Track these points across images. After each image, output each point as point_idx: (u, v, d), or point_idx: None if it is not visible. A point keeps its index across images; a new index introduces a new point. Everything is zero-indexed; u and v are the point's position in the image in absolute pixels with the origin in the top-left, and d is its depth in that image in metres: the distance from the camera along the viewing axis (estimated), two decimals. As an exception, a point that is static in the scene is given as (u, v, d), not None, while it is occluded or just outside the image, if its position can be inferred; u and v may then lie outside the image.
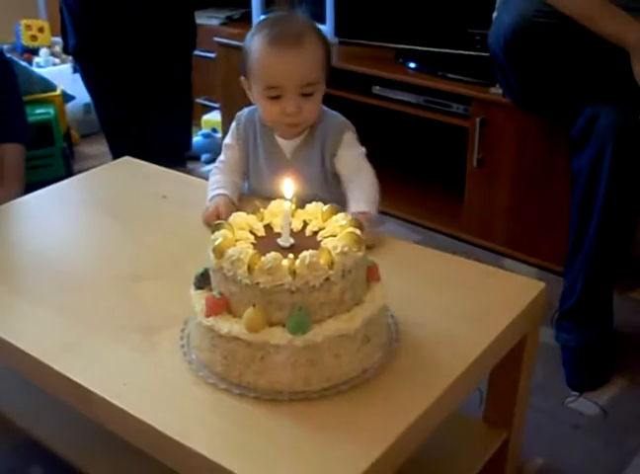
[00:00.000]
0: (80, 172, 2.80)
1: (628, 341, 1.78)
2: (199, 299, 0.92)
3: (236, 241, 0.91)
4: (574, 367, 1.64)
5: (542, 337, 1.69)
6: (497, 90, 1.96)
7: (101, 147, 2.98)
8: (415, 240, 2.27)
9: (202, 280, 0.93)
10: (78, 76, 2.99)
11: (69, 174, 2.60)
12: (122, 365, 0.95)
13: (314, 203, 0.99)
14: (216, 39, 2.67)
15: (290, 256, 0.85)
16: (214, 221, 1.21)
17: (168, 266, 1.17)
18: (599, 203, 1.53)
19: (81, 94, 3.03)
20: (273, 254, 0.84)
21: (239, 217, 0.95)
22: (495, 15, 1.76)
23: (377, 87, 2.27)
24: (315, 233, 0.94)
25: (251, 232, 0.94)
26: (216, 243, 0.88)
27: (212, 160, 2.87)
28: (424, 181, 2.52)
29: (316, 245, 0.91)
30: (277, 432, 0.84)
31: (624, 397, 1.59)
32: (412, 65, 2.23)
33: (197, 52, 2.79)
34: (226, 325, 0.87)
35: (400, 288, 1.04)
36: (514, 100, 1.86)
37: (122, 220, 1.35)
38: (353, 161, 1.31)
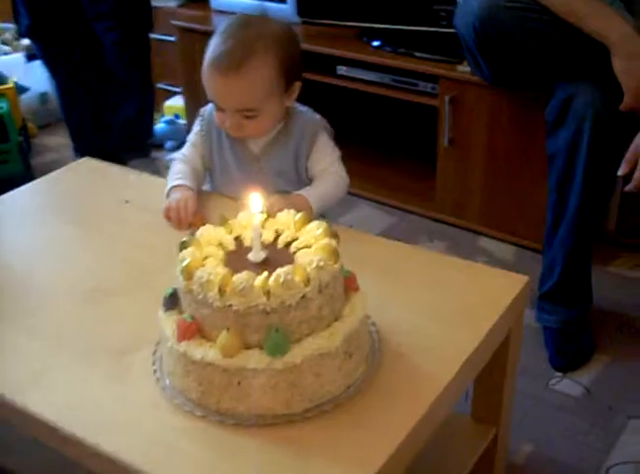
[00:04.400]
0: (39, 166, 2.74)
1: (607, 316, 1.77)
2: (168, 322, 0.86)
3: (205, 258, 0.86)
4: (556, 348, 1.62)
5: (524, 319, 1.68)
6: (465, 67, 1.91)
7: (60, 138, 2.89)
8: (388, 222, 2.23)
9: (171, 301, 0.88)
10: (32, 65, 2.90)
11: (27, 169, 2.51)
12: (92, 395, 0.89)
13: (286, 211, 0.94)
14: (174, 22, 2.57)
15: (264, 274, 0.80)
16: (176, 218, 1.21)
17: (135, 279, 1.11)
18: (577, 185, 1.50)
19: (36, 83, 2.93)
20: (245, 274, 0.80)
21: (207, 231, 0.90)
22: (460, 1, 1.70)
23: (343, 67, 2.21)
24: (288, 244, 0.89)
25: (220, 246, 0.89)
26: (184, 264, 0.83)
27: (176, 148, 2.79)
28: (395, 161, 2.47)
29: (290, 258, 0.86)
30: (260, 458, 0.80)
31: (606, 375, 1.58)
32: (376, 44, 2.17)
33: (155, 36, 2.70)
34: (200, 350, 0.82)
35: (376, 291, 0.97)
36: (484, 78, 1.81)
37: (84, 229, 1.28)
38: (326, 166, 1.28)
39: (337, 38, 2.26)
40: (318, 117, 1.30)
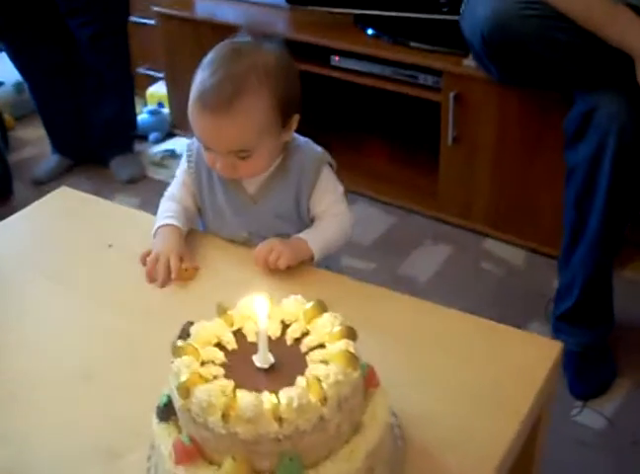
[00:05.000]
0: (17, 163, 2.59)
1: (628, 331, 1.67)
2: (164, 438, 0.75)
3: (203, 364, 0.74)
4: (575, 373, 1.53)
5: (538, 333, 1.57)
6: (470, 62, 1.77)
7: (38, 130, 2.73)
8: (390, 223, 2.12)
9: (166, 411, 0.77)
10: (4, 55, 2.71)
11: (4, 172, 2.36)
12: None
13: (292, 298, 0.82)
14: (154, 8, 2.40)
15: (273, 398, 0.68)
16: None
17: (124, 355, 0.98)
18: (598, 203, 1.39)
19: (10, 72, 2.75)
20: (252, 397, 0.68)
21: (204, 330, 0.78)
22: (466, 2, 1.55)
23: (336, 57, 2.06)
24: (297, 340, 0.78)
25: (220, 346, 0.78)
26: (180, 381, 0.71)
27: (161, 140, 2.64)
28: (396, 153, 2.33)
29: (301, 361, 0.75)
30: None
31: (629, 403, 1.50)
32: (372, 32, 2.01)
33: (133, 19, 2.53)
34: (201, 478, 0.71)
35: (388, 363, 0.82)
36: (492, 76, 1.67)
37: (61, 287, 1.12)
38: (328, 206, 1.15)
39: (330, 25, 2.11)
40: (320, 149, 1.16)
